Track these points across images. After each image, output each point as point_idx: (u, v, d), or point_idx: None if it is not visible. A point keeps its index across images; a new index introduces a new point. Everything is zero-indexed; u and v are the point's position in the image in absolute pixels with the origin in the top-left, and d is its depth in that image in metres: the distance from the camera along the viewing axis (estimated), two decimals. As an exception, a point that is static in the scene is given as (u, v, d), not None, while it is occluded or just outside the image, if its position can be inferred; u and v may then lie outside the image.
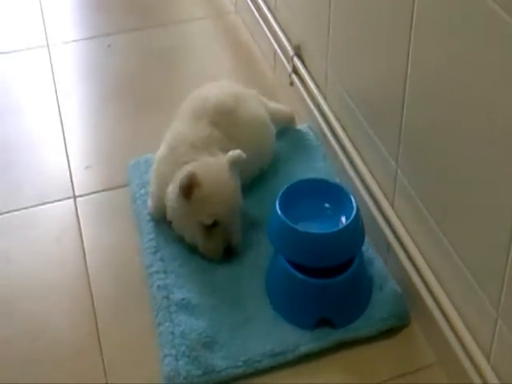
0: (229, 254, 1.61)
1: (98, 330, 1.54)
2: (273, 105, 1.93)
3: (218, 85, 1.84)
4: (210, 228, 1.59)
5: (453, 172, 1.29)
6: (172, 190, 1.61)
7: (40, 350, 1.51)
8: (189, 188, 1.56)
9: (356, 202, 1.52)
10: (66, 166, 1.94)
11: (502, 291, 1.19)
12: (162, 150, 1.72)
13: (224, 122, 1.71)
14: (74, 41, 2.42)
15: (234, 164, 1.61)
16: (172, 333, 1.47)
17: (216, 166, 1.61)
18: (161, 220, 1.69)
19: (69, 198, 1.84)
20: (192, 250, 1.64)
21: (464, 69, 1.19)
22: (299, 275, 1.48)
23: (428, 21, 1.28)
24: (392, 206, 1.55)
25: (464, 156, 1.24)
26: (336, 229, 1.49)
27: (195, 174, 1.56)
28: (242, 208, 1.64)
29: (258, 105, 1.84)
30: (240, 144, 1.70)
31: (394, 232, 1.53)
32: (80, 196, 1.85)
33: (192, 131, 1.69)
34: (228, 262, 1.62)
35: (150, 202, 1.73)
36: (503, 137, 1.11)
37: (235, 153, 1.62)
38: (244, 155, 1.62)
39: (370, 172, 1.63)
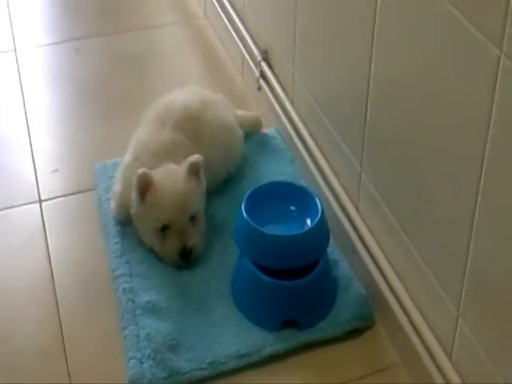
0: (188, 256, 1.61)
1: (62, 334, 1.53)
2: (240, 112, 1.94)
3: (184, 91, 1.84)
4: (164, 232, 1.59)
5: (416, 176, 1.30)
6: (133, 192, 1.61)
7: (4, 355, 1.50)
8: (143, 187, 1.57)
9: (321, 204, 1.53)
10: (32, 169, 1.93)
11: (461, 291, 1.21)
12: (127, 158, 1.72)
13: (189, 127, 1.72)
14: (42, 45, 2.41)
15: (193, 168, 1.61)
16: (137, 336, 1.47)
17: (171, 173, 1.61)
18: (124, 221, 1.69)
19: (35, 201, 1.83)
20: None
21: (427, 73, 1.20)
22: (265, 277, 1.48)
23: (390, 26, 1.29)
24: (357, 209, 1.56)
25: (426, 160, 1.26)
26: (301, 231, 1.50)
27: (147, 174, 1.57)
28: (200, 211, 1.63)
29: (225, 109, 1.85)
30: (207, 148, 1.71)
31: (359, 234, 1.54)
32: (46, 200, 1.84)
33: (154, 139, 1.69)
34: (190, 265, 1.61)
35: (112, 204, 1.74)
36: (466, 141, 1.13)
37: (193, 157, 1.62)
38: (202, 159, 1.62)
39: (336, 175, 1.64)
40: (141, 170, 1.57)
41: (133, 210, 1.63)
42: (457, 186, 1.17)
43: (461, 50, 1.09)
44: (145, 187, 1.57)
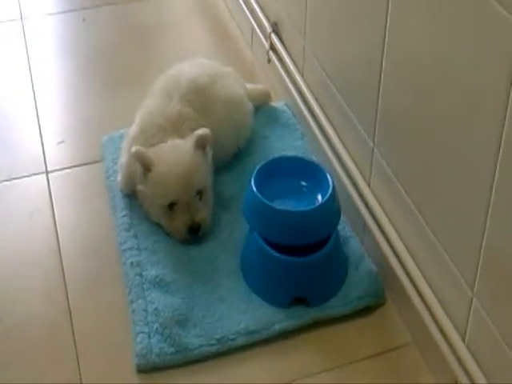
0: (196, 232, 1.59)
1: (69, 307, 1.52)
2: (249, 86, 1.91)
3: (192, 63, 1.81)
4: (171, 208, 1.57)
5: (429, 151, 1.28)
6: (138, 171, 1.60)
7: (11, 326, 1.49)
8: (143, 165, 1.55)
9: (332, 180, 1.51)
10: (39, 140, 1.91)
11: (477, 271, 1.19)
12: (132, 130, 1.70)
13: (197, 100, 1.69)
14: (49, 14, 2.39)
15: (200, 142, 1.59)
16: (145, 310, 1.46)
17: (176, 148, 1.59)
18: (131, 194, 1.68)
19: (41, 173, 1.82)
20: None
21: (441, 47, 1.18)
22: (274, 253, 1.46)
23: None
24: (368, 184, 1.54)
25: (441, 135, 1.23)
26: (311, 207, 1.48)
27: (140, 151, 1.54)
28: (207, 185, 1.61)
29: (234, 82, 1.82)
30: (215, 122, 1.69)
31: (371, 211, 1.52)
32: (53, 171, 1.82)
33: (161, 112, 1.67)
34: (198, 240, 1.59)
35: (119, 178, 1.72)
36: (482, 116, 1.10)
37: (200, 130, 1.59)
38: (209, 133, 1.59)
39: (347, 151, 1.61)
40: (133, 149, 1.55)
41: (139, 188, 1.61)
42: (473, 162, 1.15)
43: (481, 24, 1.06)
44: (144, 164, 1.55)
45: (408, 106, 1.33)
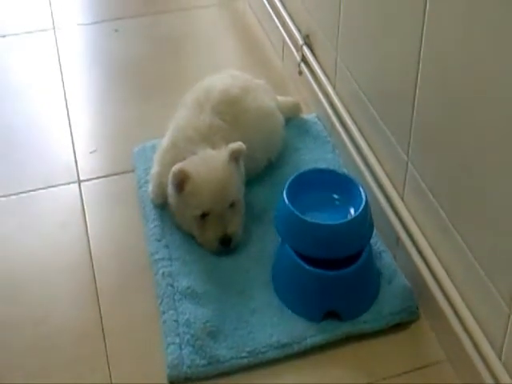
0: (228, 244, 1.59)
1: (101, 316, 1.52)
2: (279, 98, 1.91)
3: (223, 75, 1.82)
4: (203, 219, 1.57)
5: (465, 164, 1.27)
6: (168, 186, 1.60)
7: (43, 335, 1.49)
8: (180, 183, 1.56)
9: (365, 193, 1.50)
10: (71, 149, 1.92)
11: (514, 288, 1.17)
12: (164, 142, 1.70)
13: (229, 112, 1.70)
14: (81, 24, 2.41)
15: (235, 156, 1.59)
16: (176, 321, 1.46)
17: (210, 159, 1.59)
18: (162, 204, 1.68)
19: (73, 182, 1.83)
20: (196, 238, 1.63)
21: (479, 59, 1.16)
22: (306, 266, 1.45)
23: (441, 9, 1.25)
24: (402, 198, 1.53)
25: (477, 148, 1.22)
26: (344, 220, 1.47)
27: (183, 170, 1.55)
28: (239, 197, 1.61)
29: (266, 94, 1.82)
30: (246, 134, 1.69)
31: (404, 225, 1.51)
32: (85, 180, 1.83)
33: (192, 125, 1.67)
34: (230, 252, 1.59)
35: (150, 187, 1.73)
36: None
37: (236, 144, 1.59)
38: (244, 147, 1.60)
39: (380, 164, 1.60)
40: (176, 167, 1.55)
41: (170, 200, 1.61)
42: (510, 176, 1.13)
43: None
44: (182, 182, 1.56)
45: (444, 118, 1.31)
